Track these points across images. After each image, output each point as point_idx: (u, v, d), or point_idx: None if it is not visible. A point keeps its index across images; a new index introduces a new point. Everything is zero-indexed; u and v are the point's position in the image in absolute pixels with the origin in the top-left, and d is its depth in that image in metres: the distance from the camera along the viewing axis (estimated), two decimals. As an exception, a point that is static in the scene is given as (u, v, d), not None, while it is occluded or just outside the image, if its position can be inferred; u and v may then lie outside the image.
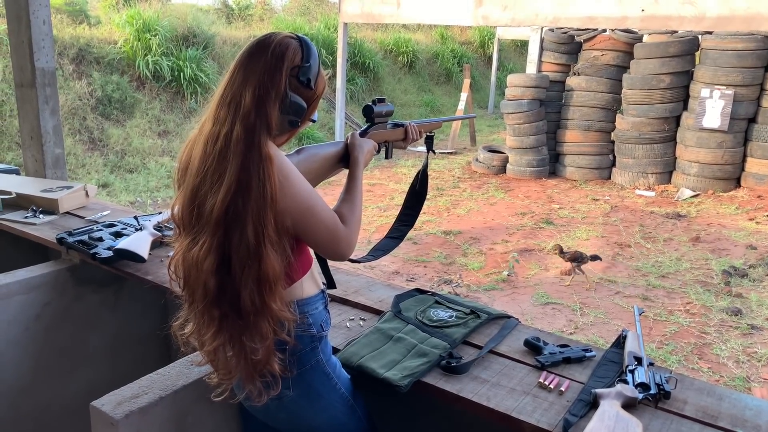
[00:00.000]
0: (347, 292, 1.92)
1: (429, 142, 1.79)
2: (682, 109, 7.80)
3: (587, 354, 1.51)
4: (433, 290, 1.91)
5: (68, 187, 2.51)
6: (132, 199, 6.82)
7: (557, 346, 1.54)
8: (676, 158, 7.91)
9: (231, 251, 1.14)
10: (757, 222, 6.50)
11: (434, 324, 1.64)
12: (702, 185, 7.58)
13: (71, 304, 2.16)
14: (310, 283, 1.33)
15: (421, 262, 5.21)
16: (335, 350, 1.50)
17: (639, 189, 7.87)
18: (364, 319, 1.75)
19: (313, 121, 1.31)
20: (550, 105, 8.54)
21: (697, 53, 7.78)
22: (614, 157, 8.34)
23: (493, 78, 14.91)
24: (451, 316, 1.68)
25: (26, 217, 2.37)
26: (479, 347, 1.56)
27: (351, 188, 1.37)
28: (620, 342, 1.55)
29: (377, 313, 1.78)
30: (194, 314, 1.22)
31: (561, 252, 4.82)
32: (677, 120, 7.87)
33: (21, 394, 2.06)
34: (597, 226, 6.36)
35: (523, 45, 17.33)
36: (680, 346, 3.77)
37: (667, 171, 7.98)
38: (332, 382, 1.37)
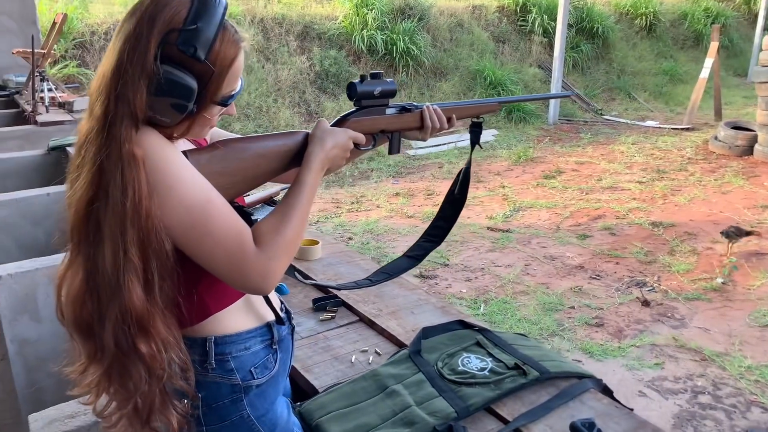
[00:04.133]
0: (381, 312, 1.60)
1: (476, 133, 1.35)
2: None
3: None
4: (481, 326, 1.48)
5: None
6: (332, 170, 7.08)
7: None
8: None
9: (95, 274, 0.90)
10: None
11: (455, 377, 1.24)
12: None
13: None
14: (241, 316, 1.06)
15: (614, 257, 4.52)
16: (313, 394, 1.20)
17: None
18: (379, 354, 1.43)
19: (224, 104, 0.99)
20: (821, 71, 6.82)
21: None
22: None
23: (756, 40, 12.50)
24: (484, 369, 1.26)
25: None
26: (506, 421, 1.13)
27: (290, 196, 1.02)
28: None
29: (401, 346, 1.45)
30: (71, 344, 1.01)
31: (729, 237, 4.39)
32: None
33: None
34: None
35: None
36: None
37: None
38: None
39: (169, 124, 0.95)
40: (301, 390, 1.34)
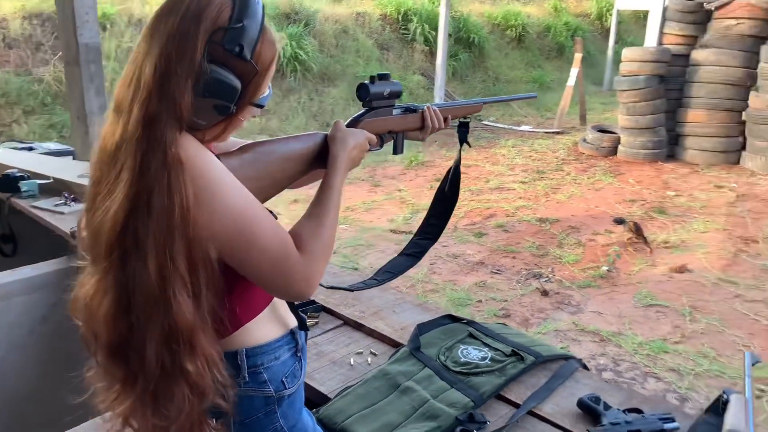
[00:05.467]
0: (365, 314, 1.62)
1: (463, 132, 1.41)
2: (833, 84, 6.72)
3: (666, 426, 1.10)
4: (468, 319, 1.56)
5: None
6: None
7: (624, 411, 1.14)
8: (821, 141, 6.86)
9: (133, 292, 0.84)
10: None
11: (460, 369, 1.30)
12: None
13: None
14: (269, 325, 1.03)
15: (510, 252, 4.82)
16: (325, 401, 1.21)
17: (774, 176, 6.92)
18: (375, 354, 1.45)
19: (260, 106, 0.96)
20: (670, 81, 7.67)
21: None
22: (744, 139, 7.38)
23: (609, 52, 13.81)
24: (484, 358, 1.33)
25: (56, 205, 2.25)
26: (516, 405, 1.21)
27: (322, 199, 1.01)
28: (719, 407, 1.13)
29: (395, 346, 1.47)
30: (98, 370, 0.94)
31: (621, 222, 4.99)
32: (825, 97, 6.80)
33: (25, 403, 1.90)
34: (718, 217, 5.62)
35: (644, 16, 15.87)
36: (761, 360, 3.17)
37: (810, 156, 6.95)
38: None
39: (205, 127, 0.90)
40: (305, 398, 1.32)
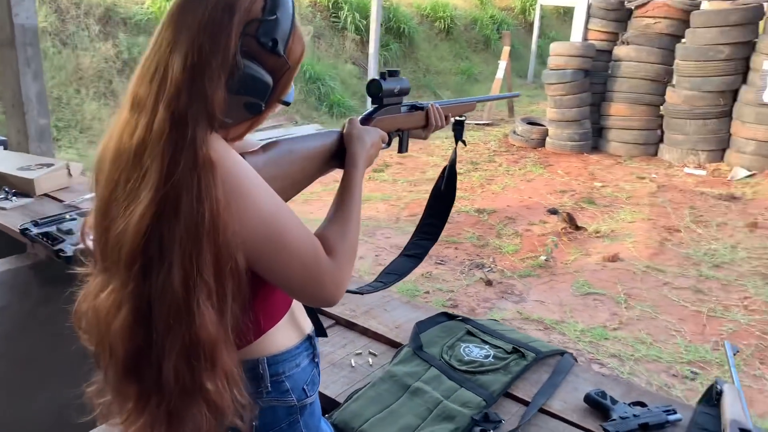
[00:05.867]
0: (355, 312, 1.59)
1: (458, 130, 1.40)
2: (741, 82, 7.20)
3: (671, 418, 1.15)
4: (464, 316, 1.56)
5: (48, 165, 2.22)
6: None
7: (630, 404, 1.18)
8: (730, 135, 7.34)
9: (151, 303, 0.78)
10: (821, 207, 5.96)
11: (466, 368, 1.29)
12: (759, 164, 7.01)
13: (35, 308, 1.83)
14: (288, 331, 0.98)
15: (453, 243, 4.88)
16: (332, 405, 1.18)
17: (688, 167, 7.35)
18: (374, 354, 1.42)
19: (286, 104, 0.91)
20: (595, 76, 7.99)
21: (761, 22, 7.14)
22: (662, 132, 7.80)
23: (533, 46, 14.25)
24: (488, 356, 1.34)
25: (-5, 201, 2.08)
26: (525, 402, 1.22)
27: (345, 199, 0.97)
28: (712, 397, 1.19)
29: (393, 345, 1.45)
30: (108, 386, 0.87)
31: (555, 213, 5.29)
32: (734, 94, 7.27)
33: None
34: (642, 207, 5.92)
35: (566, 12, 16.51)
36: (739, 348, 3.38)
37: (720, 149, 7.42)
38: None
39: (231, 125, 0.84)
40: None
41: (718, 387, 1.18)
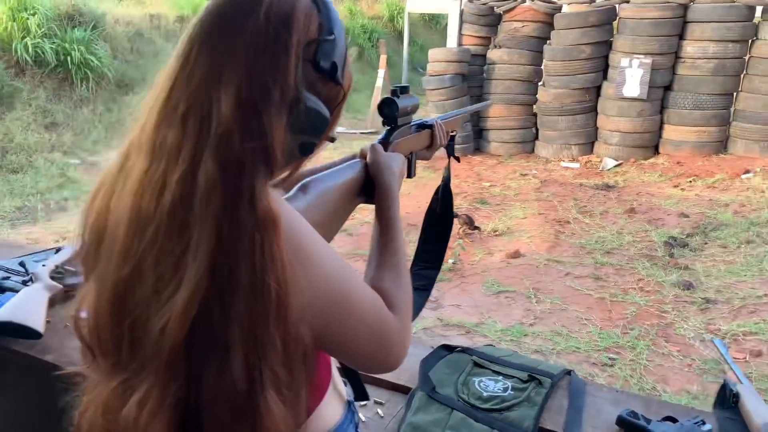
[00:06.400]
0: None
1: (450, 145, 1.28)
2: (602, 79, 7.77)
3: (704, 429, 1.08)
4: (462, 346, 1.44)
5: None
6: (18, 203, 5.95)
7: (662, 420, 1.12)
8: (597, 128, 7.90)
9: (200, 405, 0.61)
10: (682, 189, 6.55)
11: (489, 405, 1.19)
12: (624, 154, 7.60)
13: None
14: (333, 402, 0.84)
15: (361, 256, 4.79)
16: None
17: (564, 161, 7.82)
18: (380, 402, 1.26)
19: (332, 140, 0.76)
20: (472, 80, 8.29)
21: (615, 23, 7.75)
22: (537, 130, 8.24)
23: (405, 54, 14.57)
24: (506, 389, 1.24)
25: None
26: None
27: (391, 239, 0.83)
28: (727, 400, 1.16)
29: (397, 389, 1.30)
30: None
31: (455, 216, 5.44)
32: (598, 90, 7.84)
33: None
34: (531, 203, 6.19)
35: (431, 19, 17.08)
36: (644, 329, 3.59)
37: (590, 142, 7.97)
38: None
39: (276, 168, 0.66)
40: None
41: (731, 389, 1.16)
